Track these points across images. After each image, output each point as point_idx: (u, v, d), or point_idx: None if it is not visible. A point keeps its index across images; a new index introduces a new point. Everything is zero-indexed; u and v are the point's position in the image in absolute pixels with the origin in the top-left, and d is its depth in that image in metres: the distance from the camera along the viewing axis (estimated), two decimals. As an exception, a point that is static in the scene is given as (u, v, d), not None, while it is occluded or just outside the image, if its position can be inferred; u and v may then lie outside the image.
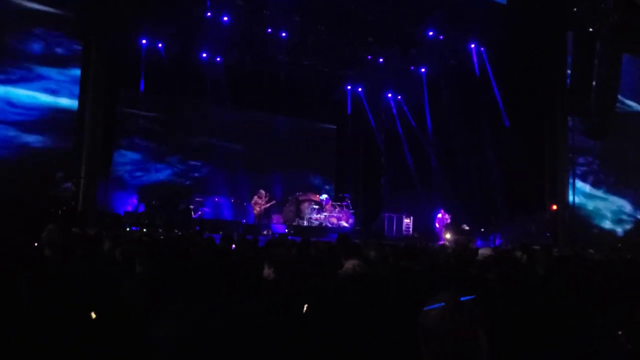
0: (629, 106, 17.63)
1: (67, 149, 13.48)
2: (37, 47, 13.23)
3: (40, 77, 13.28)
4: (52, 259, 4.23)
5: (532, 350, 2.97)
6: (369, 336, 2.55)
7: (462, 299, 1.77)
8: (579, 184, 16.44)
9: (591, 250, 10.30)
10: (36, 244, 4.92)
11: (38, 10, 13.13)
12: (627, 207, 17.53)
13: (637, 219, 17.56)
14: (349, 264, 4.27)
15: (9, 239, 5.46)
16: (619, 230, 17.28)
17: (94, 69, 13.50)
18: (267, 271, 4.09)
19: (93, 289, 3.18)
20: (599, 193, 17.15)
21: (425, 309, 1.79)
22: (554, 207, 15.60)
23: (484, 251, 6.59)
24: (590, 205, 16.87)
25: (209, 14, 15.61)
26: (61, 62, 13.48)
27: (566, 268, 5.65)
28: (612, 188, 17.30)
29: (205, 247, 6.77)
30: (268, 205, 17.18)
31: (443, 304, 1.75)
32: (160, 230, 13.53)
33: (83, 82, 13.47)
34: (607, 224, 17.17)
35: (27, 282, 2.88)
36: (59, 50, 13.51)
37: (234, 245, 7.48)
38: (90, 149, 13.41)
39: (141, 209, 15.71)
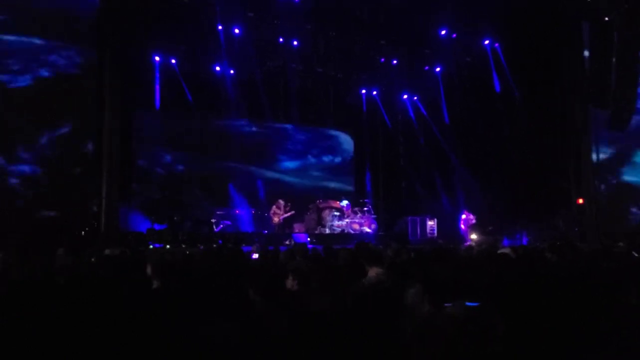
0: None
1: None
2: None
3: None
4: (66, 286, 4.15)
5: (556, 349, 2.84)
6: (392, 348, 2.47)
7: (469, 304, 1.76)
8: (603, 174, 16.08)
9: (621, 243, 9.97)
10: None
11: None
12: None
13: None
14: (372, 272, 4.16)
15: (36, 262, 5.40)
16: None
17: (108, 88, 13.54)
18: (291, 282, 4.01)
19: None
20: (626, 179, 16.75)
21: (443, 311, 1.80)
22: (580, 200, 15.26)
23: (505, 251, 6.39)
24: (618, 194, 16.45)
25: (220, 26, 15.67)
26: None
27: (595, 263, 5.46)
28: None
29: (229, 260, 6.68)
30: (287, 215, 17.16)
31: (462, 307, 1.76)
32: (183, 246, 13.51)
33: (99, 101, 13.50)
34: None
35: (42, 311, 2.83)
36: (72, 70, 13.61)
37: (256, 255, 7.40)
38: (109, 168, 13.45)
39: (163, 225, 15.72)
